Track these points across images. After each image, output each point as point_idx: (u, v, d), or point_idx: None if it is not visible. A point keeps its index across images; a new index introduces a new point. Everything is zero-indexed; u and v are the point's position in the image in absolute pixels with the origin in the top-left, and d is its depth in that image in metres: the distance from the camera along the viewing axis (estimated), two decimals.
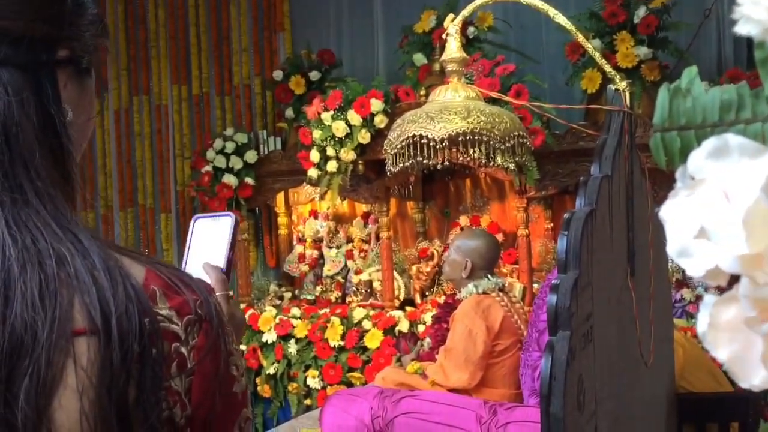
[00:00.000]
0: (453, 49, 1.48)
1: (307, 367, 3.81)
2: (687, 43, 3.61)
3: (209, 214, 0.79)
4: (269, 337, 3.93)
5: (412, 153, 1.38)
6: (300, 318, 3.95)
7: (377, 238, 4.15)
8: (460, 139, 1.34)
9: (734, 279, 0.35)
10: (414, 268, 4.02)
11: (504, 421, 1.70)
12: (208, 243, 0.81)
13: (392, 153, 1.43)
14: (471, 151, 1.37)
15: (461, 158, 1.45)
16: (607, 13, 3.31)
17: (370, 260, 4.19)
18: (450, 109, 1.38)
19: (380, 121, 3.42)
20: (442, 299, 3.82)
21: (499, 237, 3.85)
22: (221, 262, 0.80)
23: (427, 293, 4.02)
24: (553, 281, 1.12)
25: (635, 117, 1.35)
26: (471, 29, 3.64)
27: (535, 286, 3.70)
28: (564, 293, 1.10)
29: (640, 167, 1.49)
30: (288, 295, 4.32)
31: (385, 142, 1.52)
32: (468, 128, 1.35)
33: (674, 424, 1.77)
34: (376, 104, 3.39)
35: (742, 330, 0.34)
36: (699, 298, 3.22)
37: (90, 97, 0.69)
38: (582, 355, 1.12)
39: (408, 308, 3.86)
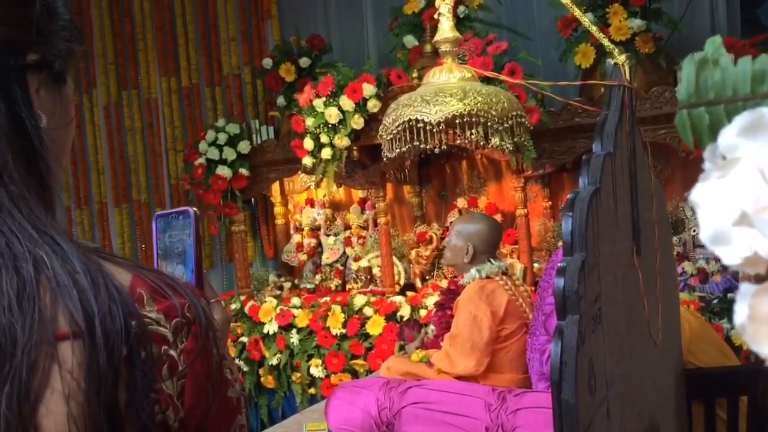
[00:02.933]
0: (446, 28, 1.44)
1: (310, 357, 3.80)
2: (680, 13, 3.57)
3: (169, 210, 0.79)
4: (270, 327, 3.91)
5: (408, 137, 1.34)
6: (301, 307, 3.93)
7: (375, 223, 4.12)
8: (457, 121, 1.31)
9: None
10: (413, 252, 4.00)
11: (514, 408, 1.67)
12: (173, 241, 0.80)
13: (388, 138, 1.39)
14: (468, 133, 1.33)
15: (459, 140, 1.42)
16: None
17: (369, 246, 4.17)
18: (445, 91, 1.35)
19: (373, 105, 3.38)
20: (443, 283, 3.80)
21: (498, 217, 3.83)
22: (190, 260, 0.79)
23: (427, 277, 4.00)
24: (559, 264, 1.09)
25: (635, 91, 1.32)
26: (461, 8, 3.59)
27: (536, 265, 3.69)
28: (571, 276, 1.07)
29: (641, 142, 1.46)
30: (288, 285, 4.30)
31: (380, 127, 1.49)
32: (465, 110, 1.31)
33: (683, 401, 1.75)
34: (368, 89, 3.34)
35: None
36: (701, 271, 3.20)
37: (66, 103, 0.68)
38: (591, 339, 1.09)
39: (409, 293, 3.84)
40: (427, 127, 1.32)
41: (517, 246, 3.67)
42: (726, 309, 3.04)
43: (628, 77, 1.33)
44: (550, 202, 3.83)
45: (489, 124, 1.33)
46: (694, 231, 3.25)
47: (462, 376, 1.89)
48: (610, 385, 1.18)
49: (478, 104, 1.33)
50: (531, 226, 3.61)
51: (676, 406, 1.69)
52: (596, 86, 3.46)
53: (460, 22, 3.61)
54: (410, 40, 3.60)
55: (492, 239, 2.02)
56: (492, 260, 2.00)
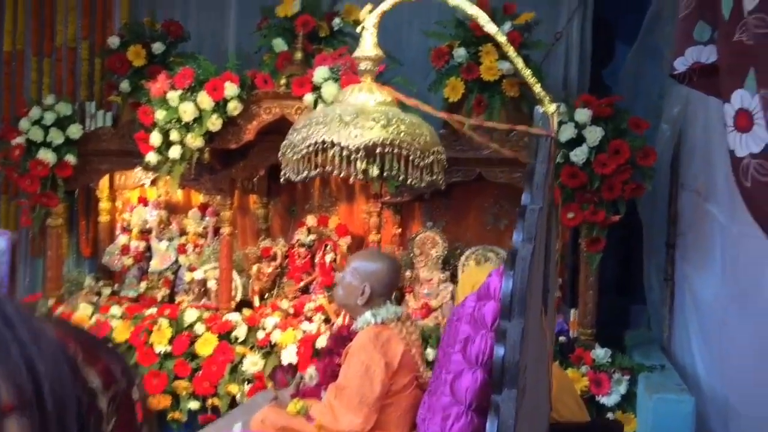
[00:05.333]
0: (369, 45, 1.30)
1: None
2: (539, 61, 3.72)
3: None
4: None
5: (319, 161, 1.18)
6: (121, 318, 3.52)
7: (215, 232, 3.83)
8: (377, 150, 1.17)
9: None
10: (255, 267, 3.76)
11: None
12: None
13: (294, 159, 1.22)
14: (387, 165, 1.20)
15: (364, 172, 1.28)
16: (474, 23, 3.29)
17: (206, 256, 3.86)
18: (367, 113, 1.20)
19: (234, 107, 3.13)
20: (283, 303, 3.61)
21: (347, 240, 3.72)
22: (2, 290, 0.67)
23: (266, 295, 3.78)
24: (498, 331, 0.98)
25: (557, 142, 1.26)
26: (337, 20, 3.47)
27: None
28: (512, 347, 0.97)
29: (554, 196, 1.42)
30: (107, 291, 3.85)
31: (284, 143, 1.30)
32: (387, 138, 1.18)
33: None
34: (230, 88, 3.09)
35: None
36: None
37: None
38: (521, 415, 1.00)
39: (245, 310, 3.60)
40: (343, 152, 1.17)
41: None
42: (558, 352, 3.16)
43: (555, 127, 1.28)
44: (400, 230, 3.79)
45: (411, 157, 1.21)
46: None
47: None
48: None
49: (402, 134, 1.20)
50: None
51: None
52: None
53: (333, 36, 3.49)
54: (280, 44, 3.40)
55: (391, 281, 1.88)
56: (389, 304, 1.86)
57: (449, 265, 3.65)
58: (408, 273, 3.62)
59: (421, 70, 3.59)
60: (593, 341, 3.22)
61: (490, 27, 1.33)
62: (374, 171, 1.47)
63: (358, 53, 1.30)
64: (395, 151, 1.21)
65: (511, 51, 1.32)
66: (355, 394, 1.72)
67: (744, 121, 1.60)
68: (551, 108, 1.26)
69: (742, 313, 2.56)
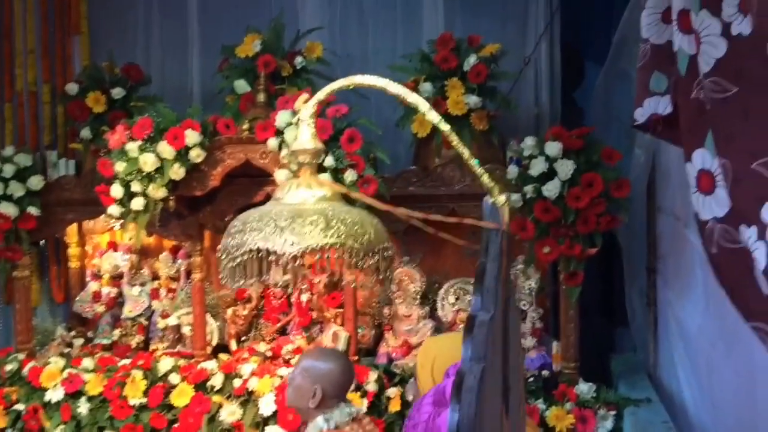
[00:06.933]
0: (306, 137, 1.23)
1: (101, 429, 3.31)
2: (509, 89, 3.66)
3: None
4: (54, 395, 3.36)
5: (255, 270, 1.11)
6: (94, 371, 3.42)
7: (188, 275, 3.74)
8: (317, 257, 1.11)
9: None
10: (230, 311, 3.67)
11: None
12: None
13: (229, 266, 1.15)
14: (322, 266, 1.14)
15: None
16: (438, 57, 3.23)
17: (179, 301, 3.77)
18: (304, 216, 1.13)
19: (197, 155, 3.04)
20: (261, 346, 3.52)
21: (323, 279, 3.64)
22: None
23: (243, 338, 3.69)
24: None
25: (511, 235, 1.19)
26: (299, 59, 3.39)
27: (360, 330, 3.54)
28: None
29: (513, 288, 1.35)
30: (79, 341, 3.74)
31: (220, 247, 1.23)
32: (327, 243, 1.11)
33: None
34: (192, 136, 3.00)
35: None
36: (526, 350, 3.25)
37: None
38: None
39: (222, 355, 3.52)
40: (280, 261, 1.10)
41: (342, 310, 3.50)
42: (541, 388, 3.10)
43: (506, 219, 1.21)
44: None
45: (352, 259, 1.14)
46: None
47: None
48: None
49: (342, 236, 1.14)
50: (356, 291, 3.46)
51: None
52: (431, 155, 3.43)
53: (296, 74, 3.41)
54: (242, 86, 3.32)
55: (343, 382, 1.79)
56: (342, 405, 1.78)
57: (428, 300, 3.58)
58: (386, 310, 3.55)
59: (389, 103, 3.52)
60: (577, 375, 3.16)
61: (431, 115, 1.26)
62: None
63: (295, 146, 1.23)
64: (335, 256, 1.14)
65: (455, 140, 1.26)
66: None
67: (706, 182, 1.54)
68: (501, 199, 1.19)
69: (729, 353, 2.49)
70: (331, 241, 1.12)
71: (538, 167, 2.95)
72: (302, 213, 1.15)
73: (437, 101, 3.17)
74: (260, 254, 1.13)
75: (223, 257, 1.17)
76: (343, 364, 1.79)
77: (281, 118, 2.94)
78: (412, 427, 1.43)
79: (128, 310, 3.82)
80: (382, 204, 1.22)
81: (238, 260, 1.15)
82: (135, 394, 3.30)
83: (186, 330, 3.65)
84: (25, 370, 3.45)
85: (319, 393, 1.74)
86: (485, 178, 1.20)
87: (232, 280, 1.14)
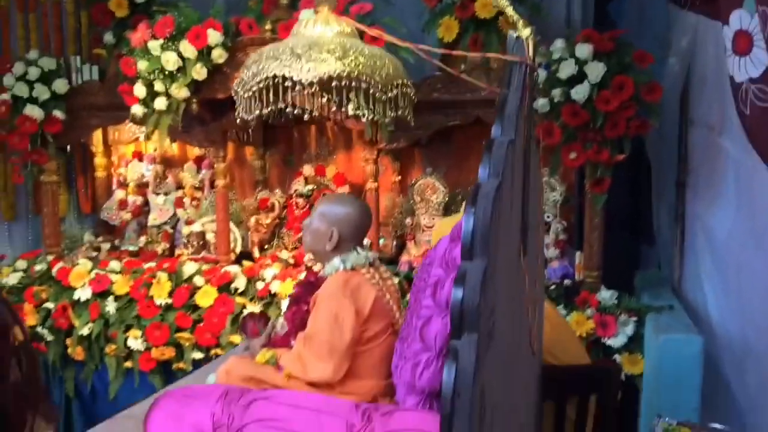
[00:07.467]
0: None
1: (128, 327, 3.39)
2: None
3: None
4: (83, 293, 3.44)
5: (271, 98, 1.08)
6: (120, 272, 3.49)
7: (211, 185, 3.76)
8: (333, 84, 1.07)
9: None
10: (252, 219, 3.70)
11: (381, 430, 1.47)
12: None
13: (246, 96, 1.12)
14: (345, 100, 1.10)
15: (328, 107, 1.18)
16: None
17: (204, 210, 3.80)
18: (321, 45, 1.10)
19: (218, 55, 3.01)
20: (283, 254, 3.56)
21: (346, 189, 3.64)
22: None
23: (266, 246, 3.73)
24: (458, 272, 0.90)
25: (536, 70, 1.15)
26: None
27: (382, 241, 3.55)
28: (472, 288, 0.89)
29: (534, 129, 1.31)
30: (106, 246, 3.82)
31: (236, 81, 1.21)
32: (344, 71, 1.07)
33: (540, 401, 1.68)
34: (214, 36, 2.96)
35: None
36: (548, 261, 3.23)
37: None
38: (485, 361, 0.92)
39: (245, 262, 3.55)
40: (296, 87, 1.07)
41: None
42: (562, 295, 3.09)
43: (531, 54, 1.16)
44: (399, 177, 3.70)
45: (371, 91, 1.10)
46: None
47: (316, 383, 1.66)
48: (495, 409, 1.02)
49: (360, 66, 1.10)
50: (379, 201, 3.46)
51: (536, 409, 1.61)
52: (457, 63, 3.35)
53: None
54: None
55: (361, 226, 1.79)
56: (359, 249, 1.78)
57: (450, 212, 3.56)
58: (408, 220, 3.54)
59: (413, 9, 3.43)
60: (599, 283, 3.13)
61: None
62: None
63: None
64: (353, 84, 1.11)
65: None
66: (324, 342, 1.66)
67: (743, 43, 1.48)
68: (525, 32, 1.15)
69: (759, 248, 2.44)
70: (348, 69, 1.09)
71: (567, 70, 2.87)
72: (320, 42, 1.12)
73: (465, 3, 3.08)
74: (276, 81, 1.10)
75: (239, 90, 1.15)
76: (360, 208, 1.78)
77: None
78: (428, 264, 1.42)
79: (153, 218, 3.87)
80: (401, 41, 1.19)
81: (254, 89, 1.13)
82: (161, 294, 3.37)
83: (210, 237, 3.69)
84: (54, 270, 3.53)
85: (336, 235, 1.74)
86: (510, 11, 1.15)
87: (246, 112, 1.12)
